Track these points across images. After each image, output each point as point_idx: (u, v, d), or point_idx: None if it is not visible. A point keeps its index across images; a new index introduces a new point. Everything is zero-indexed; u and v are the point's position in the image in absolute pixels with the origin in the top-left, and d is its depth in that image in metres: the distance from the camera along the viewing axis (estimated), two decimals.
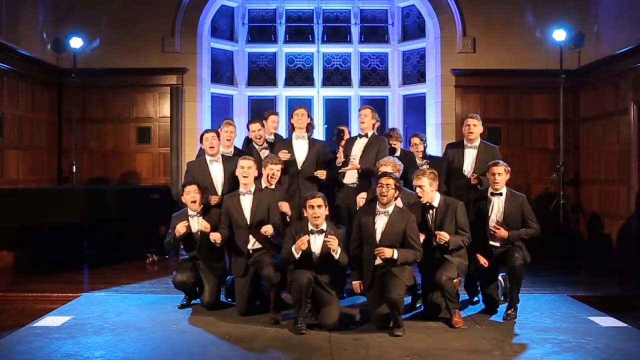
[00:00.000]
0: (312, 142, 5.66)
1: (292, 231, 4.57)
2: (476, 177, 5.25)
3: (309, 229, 4.49)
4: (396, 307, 4.24)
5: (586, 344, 4.05)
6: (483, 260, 4.69)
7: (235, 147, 6.08)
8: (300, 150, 5.57)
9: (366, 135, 5.59)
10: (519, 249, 4.68)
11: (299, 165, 5.54)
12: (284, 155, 5.38)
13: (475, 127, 5.40)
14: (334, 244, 4.38)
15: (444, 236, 4.48)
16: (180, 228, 4.89)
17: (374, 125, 5.64)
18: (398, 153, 6.07)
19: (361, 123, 5.60)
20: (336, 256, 4.42)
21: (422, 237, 4.54)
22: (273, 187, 5.06)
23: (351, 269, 4.65)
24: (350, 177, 5.53)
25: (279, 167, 5.07)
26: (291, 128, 5.69)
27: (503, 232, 4.67)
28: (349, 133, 6.49)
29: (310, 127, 5.67)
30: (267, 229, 4.68)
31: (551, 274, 6.44)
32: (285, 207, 5.07)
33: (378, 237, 4.44)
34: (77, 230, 7.30)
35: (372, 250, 4.42)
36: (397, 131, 6.35)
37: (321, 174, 5.48)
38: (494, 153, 5.39)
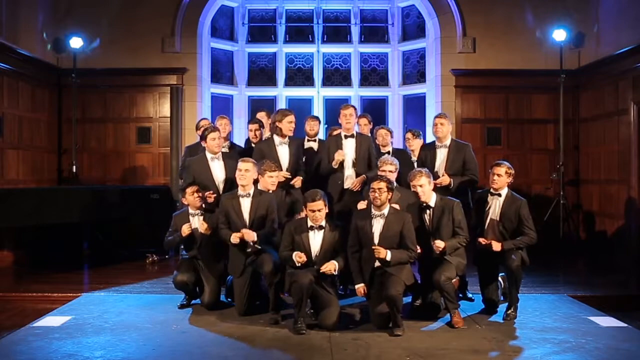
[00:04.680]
0: (293, 145, 5.50)
1: (291, 228, 4.59)
2: (442, 181, 5.18)
3: (309, 226, 4.51)
4: (395, 304, 4.24)
5: (586, 344, 4.04)
6: (484, 240, 4.67)
7: (230, 142, 6.08)
8: (284, 156, 5.43)
9: (352, 136, 5.54)
10: (516, 251, 4.66)
11: (285, 170, 5.41)
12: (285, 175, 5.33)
13: (443, 126, 5.38)
14: (331, 268, 4.41)
15: (439, 245, 4.49)
16: (185, 230, 4.95)
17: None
18: (389, 149, 5.99)
19: (347, 123, 5.49)
20: (335, 273, 4.45)
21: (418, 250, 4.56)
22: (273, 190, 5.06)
23: (353, 273, 4.61)
24: (349, 181, 5.50)
25: (277, 173, 5.03)
26: (275, 130, 5.46)
27: (497, 245, 4.63)
28: None
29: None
30: (250, 236, 4.68)
31: (551, 274, 6.44)
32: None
33: (376, 240, 4.45)
34: (77, 230, 7.30)
35: (371, 252, 4.43)
36: (385, 127, 6.25)
37: (297, 182, 5.37)
38: (466, 151, 5.38)
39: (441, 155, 5.39)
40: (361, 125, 6.08)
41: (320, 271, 4.42)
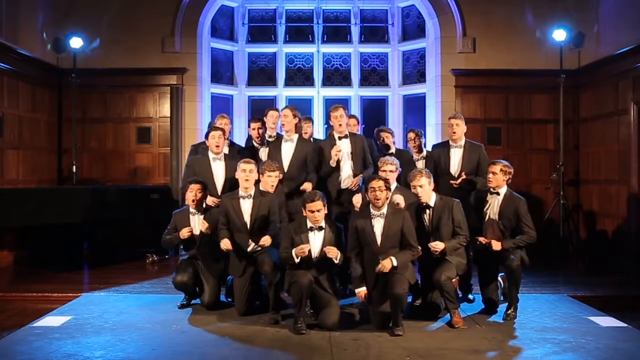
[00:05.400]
0: (300, 145, 5.51)
1: (290, 230, 4.58)
2: (461, 182, 5.23)
3: (308, 227, 4.50)
4: (400, 302, 4.25)
5: (586, 344, 4.05)
6: (484, 240, 4.68)
7: (230, 140, 6.08)
8: (287, 153, 5.46)
9: (346, 136, 5.51)
10: (515, 251, 4.65)
11: (285, 169, 5.43)
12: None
13: (458, 126, 5.39)
14: (333, 254, 4.39)
15: (438, 246, 4.48)
16: (185, 233, 4.94)
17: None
18: (392, 150, 6.00)
19: (339, 125, 5.46)
20: (336, 261, 4.43)
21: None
22: (272, 191, 5.03)
23: (353, 276, 4.60)
24: (348, 181, 5.48)
25: (277, 173, 5.02)
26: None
27: (497, 245, 4.63)
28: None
29: (297, 128, 5.55)
30: (265, 241, 4.66)
31: (551, 274, 6.44)
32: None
33: (378, 240, 4.44)
34: (77, 230, 7.30)
35: (372, 253, 4.42)
36: (386, 128, 6.28)
37: (307, 186, 5.29)
38: (480, 152, 5.41)
39: (456, 155, 5.40)
40: (350, 125, 6.07)
41: (324, 251, 4.40)
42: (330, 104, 9.29)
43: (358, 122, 6.20)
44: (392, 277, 4.32)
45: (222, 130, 5.52)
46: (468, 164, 5.33)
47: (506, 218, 4.72)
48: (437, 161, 5.45)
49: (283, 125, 5.55)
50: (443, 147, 5.53)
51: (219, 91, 9.07)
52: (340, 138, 5.50)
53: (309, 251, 4.46)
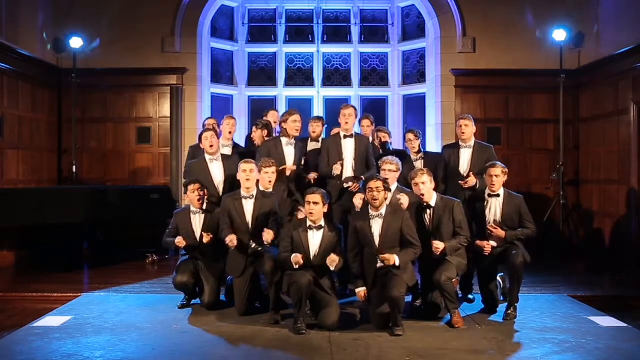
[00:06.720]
0: (299, 147, 5.54)
1: (289, 228, 4.59)
2: (468, 182, 5.27)
3: (307, 225, 4.51)
4: (397, 305, 4.25)
5: (586, 344, 4.05)
6: (485, 244, 4.68)
7: (234, 142, 6.08)
8: (290, 156, 5.46)
9: (352, 136, 5.52)
10: (517, 248, 4.67)
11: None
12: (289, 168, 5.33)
13: (467, 127, 5.45)
14: (335, 259, 4.38)
15: (438, 246, 4.48)
16: (179, 243, 4.95)
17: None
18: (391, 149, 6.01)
19: (345, 124, 5.46)
20: (332, 269, 4.43)
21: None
22: (271, 189, 5.03)
23: (354, 277, 4.61)
24: (349, 182, 5.47)
25: (273, 169, 5.02)
26: (282, 131, 5.53)
27: (500, 232, 4.68)
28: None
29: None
30: (268, 235, 4.65)
31: (551, 274, 6.44)
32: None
33: (377, 240, 4.44)
34: (77, 230, 7.30)
35: (372, 253, 4.43)
36: (384, 128, 6.33)
37: (312, 177, 5.37)
38: (489, 152, 5.47)
39: (465, 155, 5.45)
40: (364, 126, 6.10)
41: (327, 262, 4.40)
42: (330, 104, 9.33)
43: (372, 123, 6.17)
44: (390, 280, 4.33)
45: (214, 130, 5.54)
46: (477, 164, 5.36)
47: (509, 218, 4.74)
48: (447, 161, 5.51)
49: (296, 130, 5.49)
50: (453, 148, 5.59)
51: (219, 91, 9.07)
52: (345, 137, 5.51)
53: (308, 250, 4.48)
